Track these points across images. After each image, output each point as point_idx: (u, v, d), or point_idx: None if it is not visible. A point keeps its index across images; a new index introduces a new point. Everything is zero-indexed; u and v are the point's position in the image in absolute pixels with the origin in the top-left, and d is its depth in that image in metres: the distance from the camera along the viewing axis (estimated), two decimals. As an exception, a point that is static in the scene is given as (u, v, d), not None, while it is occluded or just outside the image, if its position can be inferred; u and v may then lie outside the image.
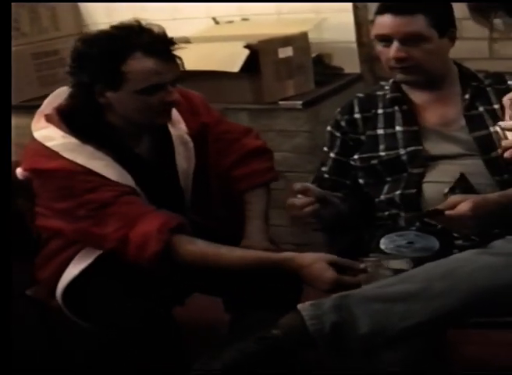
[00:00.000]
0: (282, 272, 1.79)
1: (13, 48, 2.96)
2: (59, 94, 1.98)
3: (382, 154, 2.04)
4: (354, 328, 1.58)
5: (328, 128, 2.15)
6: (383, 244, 1.84)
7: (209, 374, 1.60)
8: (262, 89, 2.78)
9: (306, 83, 2.94)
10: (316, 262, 1.76)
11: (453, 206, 1.79)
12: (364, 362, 1.68)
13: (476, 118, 1.99)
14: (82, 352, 2.36)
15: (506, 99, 1.55)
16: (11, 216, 1.79)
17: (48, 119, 1.92)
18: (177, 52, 1.90)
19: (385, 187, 2.04)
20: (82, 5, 3.55)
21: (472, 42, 2.61)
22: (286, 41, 2.84)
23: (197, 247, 1.85)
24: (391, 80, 2.09)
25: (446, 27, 1.97)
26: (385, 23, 1.95)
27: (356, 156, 2.07)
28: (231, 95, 2.81)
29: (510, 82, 2.03)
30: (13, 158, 1.95)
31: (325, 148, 2.15)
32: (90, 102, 1.86)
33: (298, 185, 1.87)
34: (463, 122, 2.00)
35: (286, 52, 2.83)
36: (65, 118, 1.90)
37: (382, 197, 2.03)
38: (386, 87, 2.11)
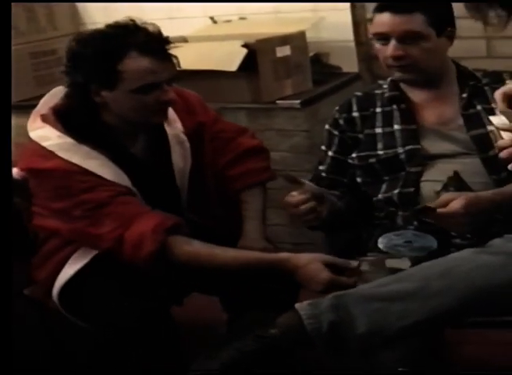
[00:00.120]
0: (277, 273, 1.78)
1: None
2: (55, 94, 1.98)
3: (380, 152, 2.04)
4: (352, 327, 1.58)
5: (327, 126, 2.14)
6: (381, 243, 1.84)
7: (207, 374, 1.60)
8: (260, 88, 2.78)
9: (304, 82, 2.93)
10: (311, 262, 1.75)
11: (446, 204, 1.79)
12: (361, 362, 1.68)
13: (474, 117, 1.99)
14: (81, 352, 2.36)
15: (498, 93, 1.55)
16: (11, 215, 1.79)
17: (44, 118, 1.92)
18: (174, 51, 1.90)
19: (383, 186, 2.04)
20: (79, 4, 3.55)
21: (470, 41, 2.61)
22: (283, 40, 2.84)
23: (191, 247, 1.85)
24: (389, 79, 2.09)
25: (445, 26, 1.97)
26: (383, 21, 1.95)
27: (354, 155, 2.07)
28: (229, 94, 2.81)
29: (507, 81, 2.03)
30: (11, 158, 1.95)
31: (323, 147, 2.15)
32: (86, 102, 1.87)
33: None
34: (461, 121, 2.00)
35: (283, 51, 2.82)
36: (61, 118, 1.91)
37: (380, 196, 2.03)
38: (384, 86, 2.11)
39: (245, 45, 2.73)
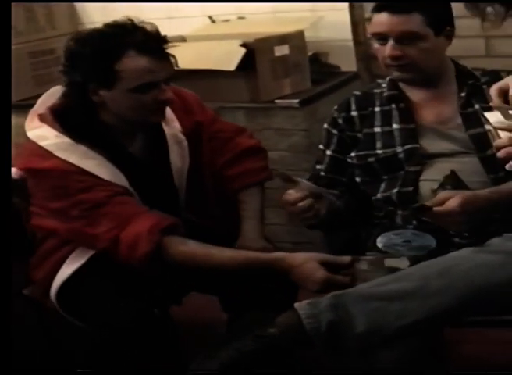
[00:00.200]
0: (273, 272, 1.78)
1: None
2: (53, 94, 1.98)
3: (379, 152, 2.04)
4: (351, 327, 1.58)
5: (325, 126, 2.15)
6: (380, 242, 1.84)
7: (206, 373, 1.60)
8: (258, 87, 2.78)
9: (302, 81, 2.93)
10: (307, 261, 1.75)
11: (442, 202, 1.79)
12: (360, 361, 1.68)
13: (472, 116, 1.98)
14: (79, 351, 2.36)
15: (493, 89, 1.55)
16: (11, 215, 1.79)
17: (42, 118, 1.92)
18: (173, 51, 1.90)
19: (382, 185, 2.04)
20: (78, 4, 3.55)
21: (469, 40, 2.61)
22: (282, 39, 2.84)
23: (187, 247, 1.85)
24: (388, 78, 2.09)
25: (443, 26, 1.97)
26: (381, 21, 1.95)
27: (353, 154, 2.07)
28: (227, 94, 2.81)
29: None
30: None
31: (321, 146, 2.15)
32: (84, 101, 1.86)
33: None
34: (459, 120, 2.00)
35: (282, 51, 2.82)
36: (59, 117, 1.90)
37: (379, 195, 2.03)
38: (383, 85, 2.11)
39: (243, 45, 2.73)
